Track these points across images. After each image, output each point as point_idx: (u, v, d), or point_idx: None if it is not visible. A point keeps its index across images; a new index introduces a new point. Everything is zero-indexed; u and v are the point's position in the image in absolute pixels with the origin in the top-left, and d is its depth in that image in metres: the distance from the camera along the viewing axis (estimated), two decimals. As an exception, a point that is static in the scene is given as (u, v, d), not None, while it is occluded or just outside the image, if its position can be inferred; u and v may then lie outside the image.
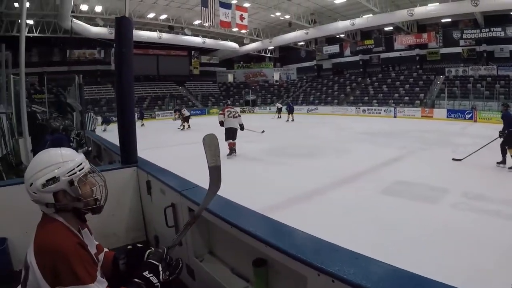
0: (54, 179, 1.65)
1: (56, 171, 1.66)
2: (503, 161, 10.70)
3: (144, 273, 1.76)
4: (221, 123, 12.92)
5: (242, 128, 13.18)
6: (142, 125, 27.40)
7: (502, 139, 10.77)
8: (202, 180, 2.55)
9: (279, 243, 1.88)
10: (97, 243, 2.02)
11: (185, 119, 25.72)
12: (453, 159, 11.74)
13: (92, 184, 1.84)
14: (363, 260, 1.66)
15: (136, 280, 1.73)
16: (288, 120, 30.70)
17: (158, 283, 1.76)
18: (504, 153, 10.72)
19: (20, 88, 7.09)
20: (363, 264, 1.62)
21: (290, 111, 31.43)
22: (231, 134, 12.87)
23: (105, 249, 2.10)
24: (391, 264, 1.61)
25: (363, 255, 1.70)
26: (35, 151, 8.18)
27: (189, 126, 25.35)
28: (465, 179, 9.40)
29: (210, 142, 2.29)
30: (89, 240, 1.88)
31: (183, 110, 27.32)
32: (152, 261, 1.84)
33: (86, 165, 1.78)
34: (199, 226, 2.83)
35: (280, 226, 2.21)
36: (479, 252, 5.11)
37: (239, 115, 13.33)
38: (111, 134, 11.24)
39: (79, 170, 1.73)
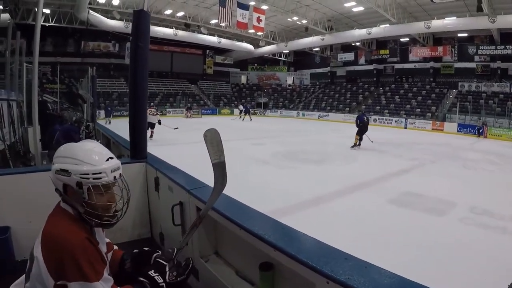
0: (66, 172, 1.61)
1: (72, 165, 1.62)
2: (359, 144, 17.16)
3: (149, 272, 1.75)
4: None
5: (159, 123, 17.83)
6: (109, 122, 27.08)
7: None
8: (212, 179, 2.50)
9: (288, 248, 1.85)
10: (108, 240, 1.99)
11: None
12: (351, 147, 17.03)
13: (111, 198, 1.75)
14: (373, 269, 1.64)
15: (141, 278, 1.72)
16: (243, 120, 35.47)
17: (164, 283, 1.75)
18: (359, 139, 17.20)
19: (33, 77, 7.11)
20: (373, 274, 1.60)
21: (246, 111, 36.63)
22: (149, 125, 16.77)
23: (115, 247, 2.07)
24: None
25: (373, 265, 1.67)
26: (43, 140, 8.20)
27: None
28: (473, 194, 9.39)
29: (212, 138, 2.21)
30: (101, 238, 1.84)
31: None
32: (160, 260, 1.84)
33: (107, 178, 1.68)
34: (206, 226, 2.81)
35: (289, 230, 2.18)
36: (485, 267, 5.12)
37: (158, 114, 18.96)
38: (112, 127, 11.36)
39: (94, 178, 1.63)
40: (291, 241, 2.00)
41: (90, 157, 1.66)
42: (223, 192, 2.64)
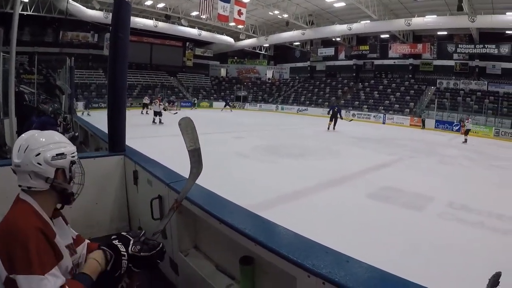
0: (63, 155, 1.72)
1: (65, 148, 1.75)
2: (329, 128, 23.08)
3: (113, 241, 1.80)
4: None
5: (164, 109, 22.53)
6: (88, 114, 26.29)
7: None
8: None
9: (269, 242, 1.85)
10: (77, 233, 1.96)
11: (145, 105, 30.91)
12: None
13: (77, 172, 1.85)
14: (354, 263, 1.65)
15: (103, 247, 1.78)
16: (222, 111, 38.41)
17: (125, 253, 1.79)
18: (332, 124, 23.29)
19: (10, 67, 6.97)
20: (354, 268, 1.61)
21: (227, 104, 40.73)
22: (156, 114, 22.07)
23: (87, 240, 2.02)
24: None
25: (353, 258, 1.69)
26: (20, 132, 8.02)
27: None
28: (451, 189, 9.50)
29: (186, 125, 2.32)
30: (63, 230, 1.80)
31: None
32: (125, 234, 1.88)
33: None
34: (185, 220, 2.79)
35: (270, 225, 2.18)
36: (461, 261, 5.19)
37: (161, 104, 22.48)
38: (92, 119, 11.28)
39: (74, 156, 1.79)
40: (272, 235, 2.01)
41: (65, 139, 1.82)
42: (204, 186, 2.64)
